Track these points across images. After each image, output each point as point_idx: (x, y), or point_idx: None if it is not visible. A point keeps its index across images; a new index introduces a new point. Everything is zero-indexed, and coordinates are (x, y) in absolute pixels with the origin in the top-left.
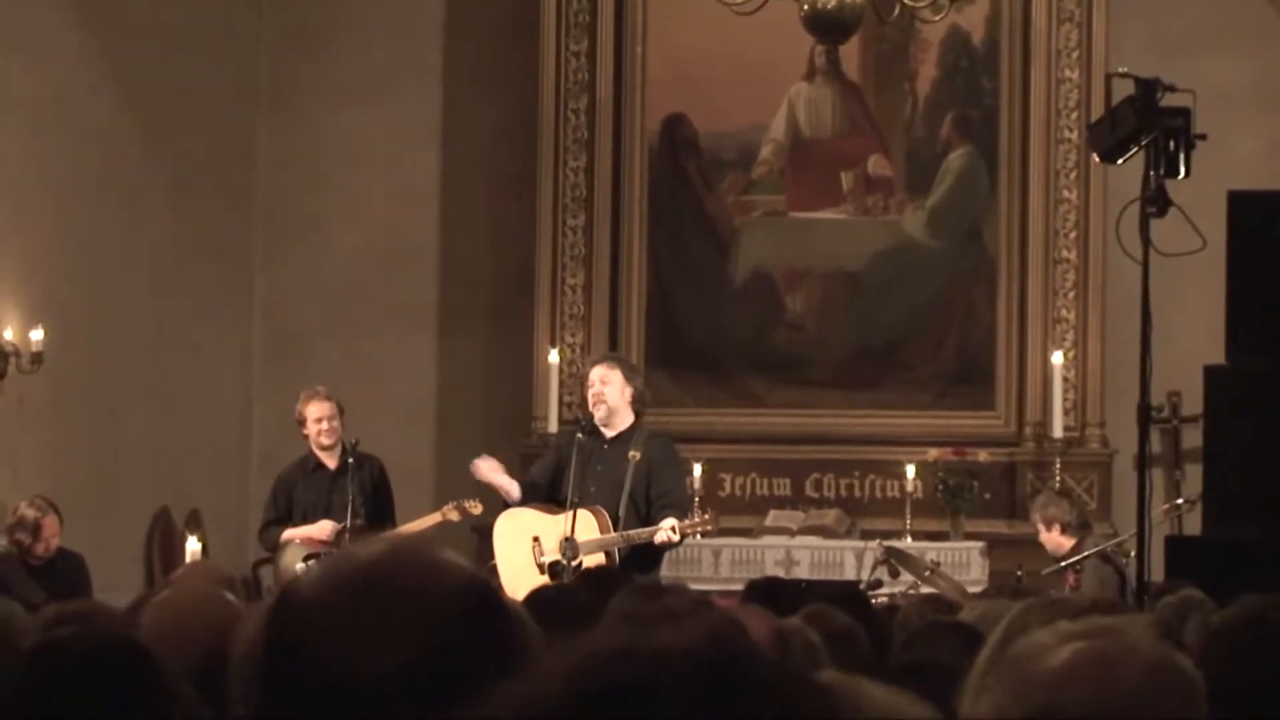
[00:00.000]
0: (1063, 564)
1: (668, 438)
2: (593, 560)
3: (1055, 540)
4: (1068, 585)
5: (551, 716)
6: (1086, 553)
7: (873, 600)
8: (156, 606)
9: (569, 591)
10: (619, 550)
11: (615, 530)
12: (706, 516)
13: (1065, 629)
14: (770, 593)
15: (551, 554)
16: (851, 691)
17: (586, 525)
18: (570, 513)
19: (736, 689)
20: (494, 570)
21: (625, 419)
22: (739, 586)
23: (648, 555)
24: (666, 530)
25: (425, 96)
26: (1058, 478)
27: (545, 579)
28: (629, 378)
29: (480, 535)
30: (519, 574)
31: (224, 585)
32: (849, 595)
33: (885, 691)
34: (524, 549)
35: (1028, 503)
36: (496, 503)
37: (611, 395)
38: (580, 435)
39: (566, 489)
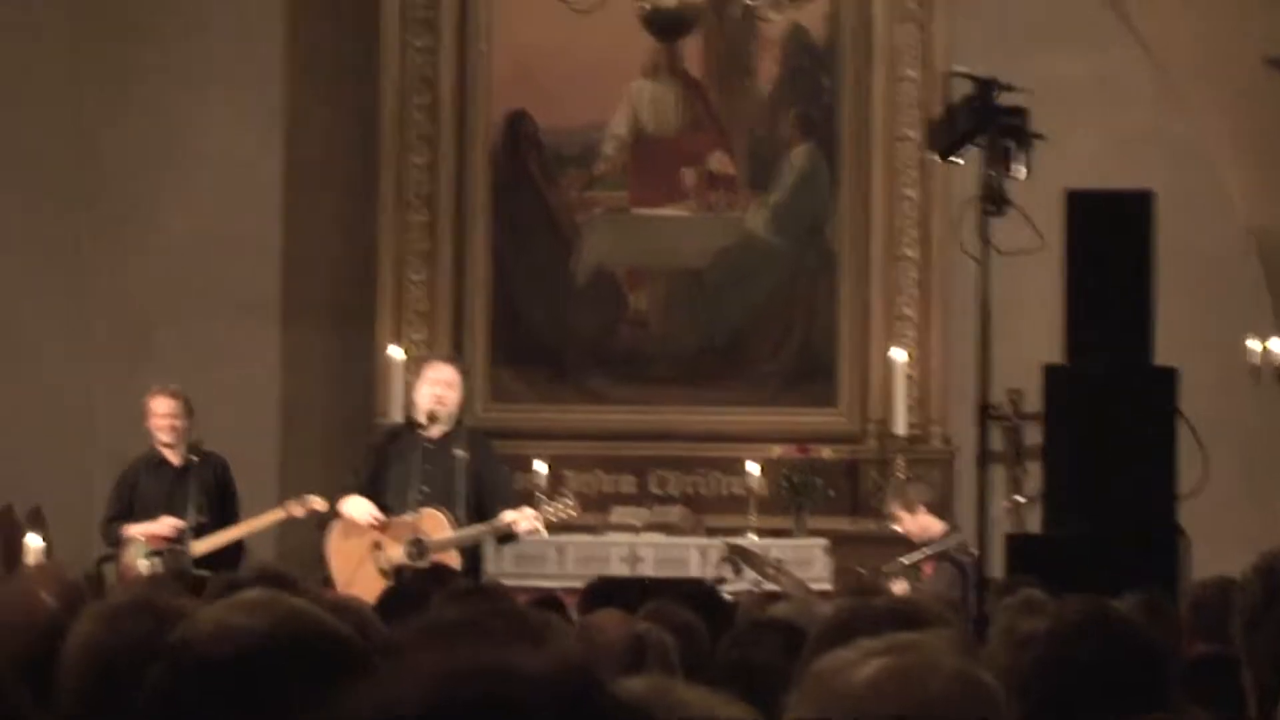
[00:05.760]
0: (904, 561)
1: (484, 435)
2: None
3: (924, 523)
4: (924, 574)
5: None
6: (929, 551)
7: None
8: None
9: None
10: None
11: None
12: (570, 502)
13: (868, 645)
14: (610, 594)
15: (397, 558)
16: (667, 698)
17: (434, 525)
18: (416, 513)
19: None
20: (328, 582)
21: (451, 420)
22: (583, 584)
23: (476, 557)
24: (530, 519)
25: (266, 87)
26: (901, 474)
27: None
28: (464, 381)
29: (324, 532)
30: (362, 585)
31: (66, 586)
32: (699, 592)
33: (700, 694)
34: (365, 560)
35: (870, 500)
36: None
37: (454, 399)
38: (421, 433)
39: (389, 493)
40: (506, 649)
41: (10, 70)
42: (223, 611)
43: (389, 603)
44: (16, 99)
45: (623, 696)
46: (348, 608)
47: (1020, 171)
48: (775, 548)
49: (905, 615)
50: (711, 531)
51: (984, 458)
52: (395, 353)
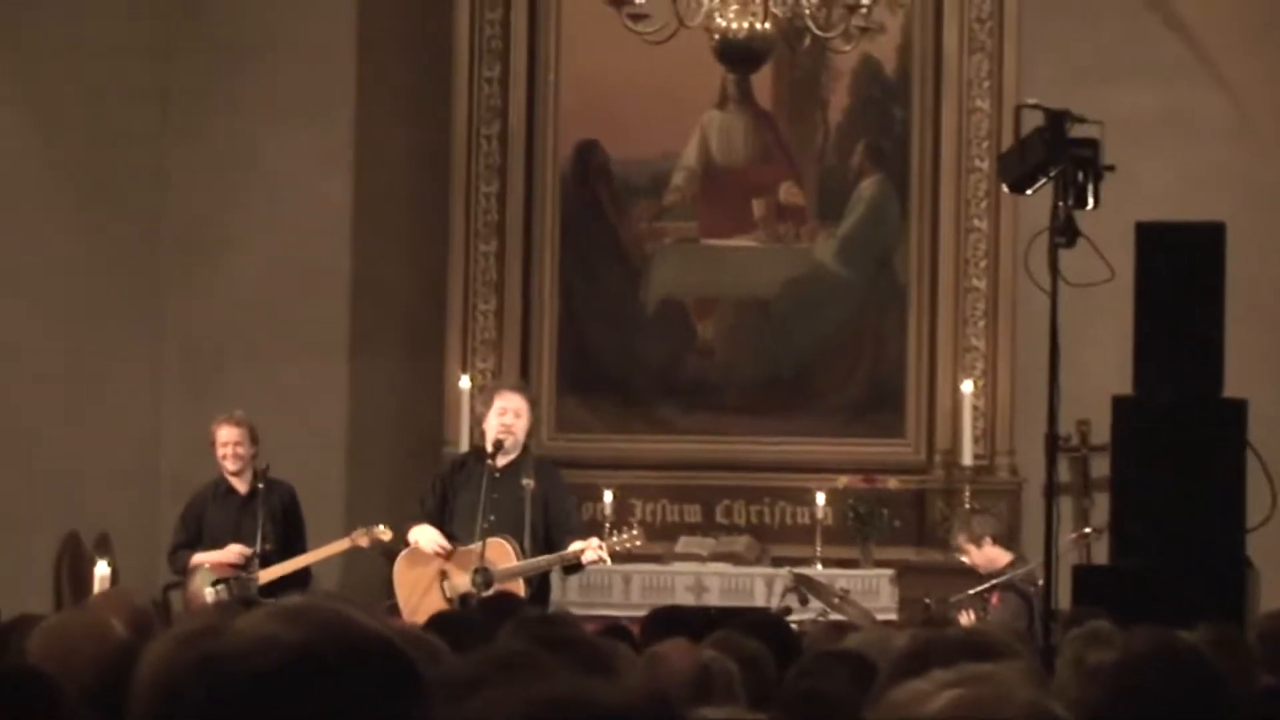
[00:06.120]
0: (971, 592)
1: (552, 464)
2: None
3: (990, 555)
4: (991, 605)
5: None
6: (995, 581)
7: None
8: (42, 632)
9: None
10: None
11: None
12: (635, 533)
13: (941, 676)
14: (674, 623)
15: (463, 587)
16: None
17: (500, 554)
18: (481, 542)
19: None
20: (395, 610)
21: (518, 448)
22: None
23: (544, 585)
24: (595, 549)
25: (338, 119)
26: (967, 505)
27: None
28: (533, 409)
29: (391, 561)
30: (428, 613)
31: (136, 613)
32: (765, 622)
33: None
34: (431, 588)
35: (937, 530)
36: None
37: (522, 428)
38: (491, 463)
39: (456, 521)
40: (586, 680)
41: (92, 105)
42: (260, 621)
43: (454, 631)
44: (93, 127)
45: None
46: (417, 639)
47: (1091, 203)
48: (841, 578)
49: (978, 646)
50: (777, 561)
51: (1052, 489)
52: (463, 382)
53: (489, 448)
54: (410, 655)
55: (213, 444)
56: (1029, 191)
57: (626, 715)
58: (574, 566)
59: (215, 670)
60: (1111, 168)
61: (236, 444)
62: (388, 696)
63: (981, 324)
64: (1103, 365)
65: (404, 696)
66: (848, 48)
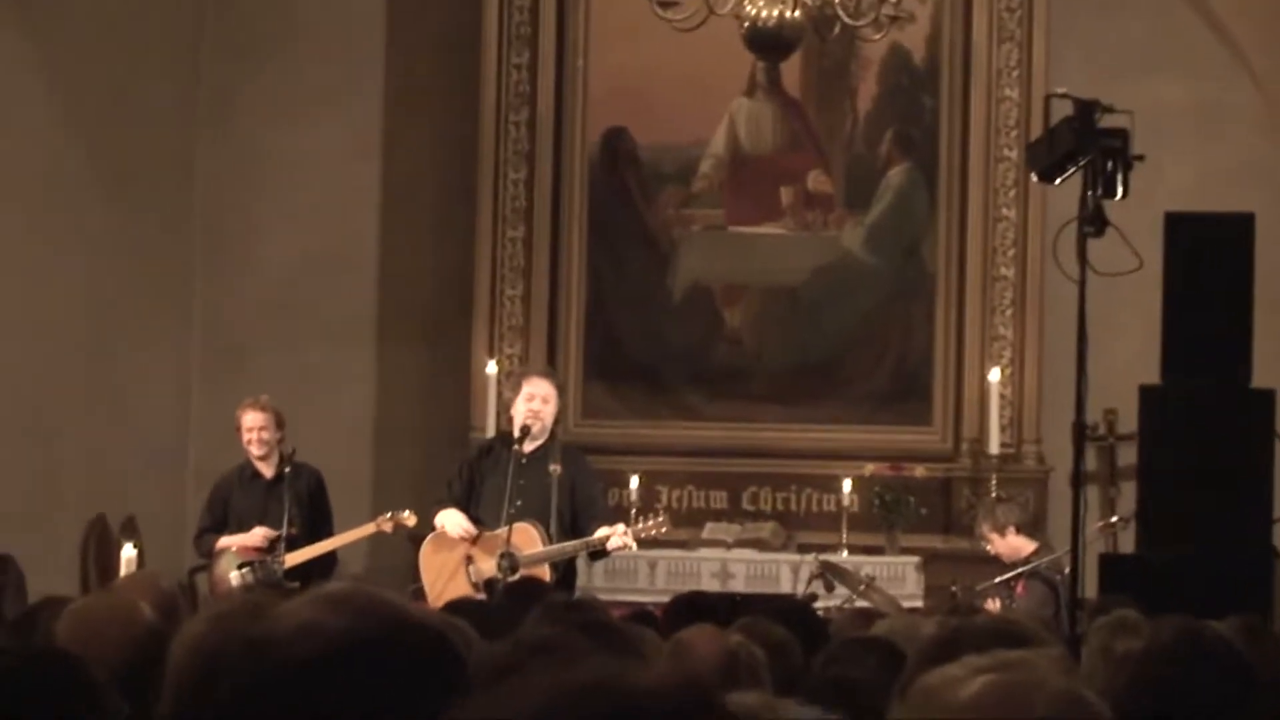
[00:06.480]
0: (997, 580)
1: (579, 450)
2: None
3: (1014, 544)
4: (1017, 593)
5: None
6: (1021, 569)
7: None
8: (70, 615)
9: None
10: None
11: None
12: (661, 519)
13: (974, 662)
14: (696, 609)
15: (488, 571)
16: (777, 714)
17: (525, 539)
18: (507, 527)
19: None
20: (420, 594)
21: (545, 434)
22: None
23: (570, 570)
24: (620, 535)
25: (366, 107)
26: (994, 494)
27: (483, 599)
28: (560, 395)
29: (416, 545)
30: (453, 597)
31: (163, 596)
32: (792, 609)
33: (808, 711)
34: (457, 572)
35: (963, 518)
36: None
37: (549, 413)
38: (517, 448)
39: (483, 506)
40: (620, 664)
41: (121, 96)
42: (304, 607)
43: (469, 615)
44: (128, 124)
45: (737, 712)
46: (451, 624)
47: (1120, 193)
48: (867, 565)
49: (1008, 633)
50: (803, 548)
51: (1078, 477)
52: (490, 368)
53: (516, 433)
54: (454, 641)
55: (238, 429)
56: (1057, 181)
57: (662, 700)
58: (600, 552)
59: (260, 655)
60: (1141, 157)
61: (261, 429)
62: (432, 682)
63: (1009, 313)
64: (1130, 354)
65: (447, 682)
66: (877, 36)
